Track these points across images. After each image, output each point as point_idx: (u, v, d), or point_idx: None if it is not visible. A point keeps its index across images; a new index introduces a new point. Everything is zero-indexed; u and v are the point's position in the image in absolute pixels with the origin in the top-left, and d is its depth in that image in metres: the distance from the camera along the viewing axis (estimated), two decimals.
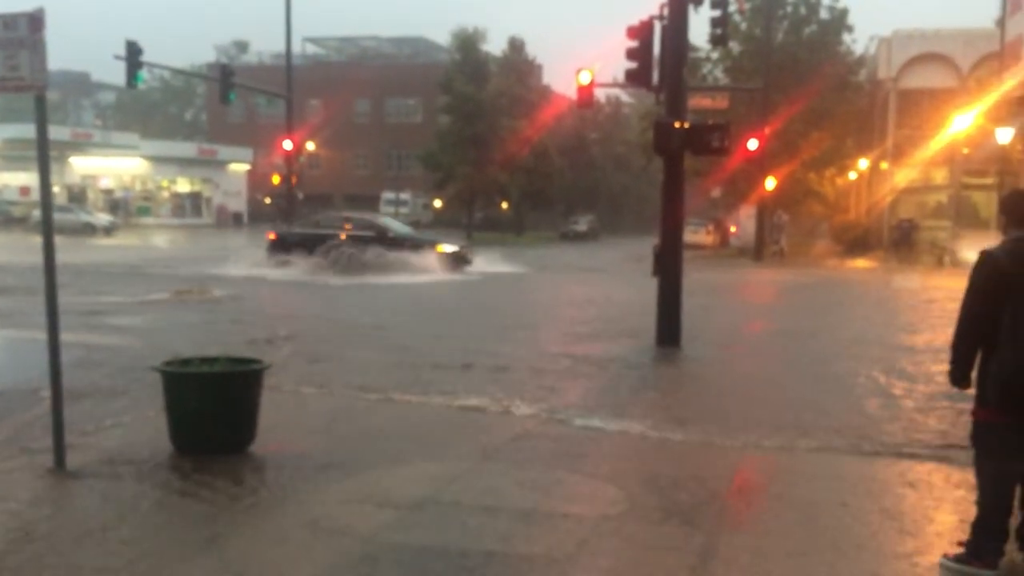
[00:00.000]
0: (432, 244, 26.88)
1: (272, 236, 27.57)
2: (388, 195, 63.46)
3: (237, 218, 64.59)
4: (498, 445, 7.20)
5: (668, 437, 7.68)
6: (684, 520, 5.55)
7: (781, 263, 35.57)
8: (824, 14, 42.85)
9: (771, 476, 6.60)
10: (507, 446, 7.19)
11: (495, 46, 58.70)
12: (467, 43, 54.28)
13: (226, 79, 34.65)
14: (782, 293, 23.49)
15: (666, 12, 12.69)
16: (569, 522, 5.49)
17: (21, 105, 59.48)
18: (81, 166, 59.82)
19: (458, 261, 26.37)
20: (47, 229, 6.46)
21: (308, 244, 25.47)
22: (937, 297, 20.39)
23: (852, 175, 49.05)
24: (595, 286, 23.93)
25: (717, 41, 21.11)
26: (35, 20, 6.23)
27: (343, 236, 25.57)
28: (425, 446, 7.16)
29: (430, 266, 24.81)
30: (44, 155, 6.45)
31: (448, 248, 26.76)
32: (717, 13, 17.04)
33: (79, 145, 57.06)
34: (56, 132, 47.64)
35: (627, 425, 8.11)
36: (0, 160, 55.39)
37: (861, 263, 35.87)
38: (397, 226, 28.77)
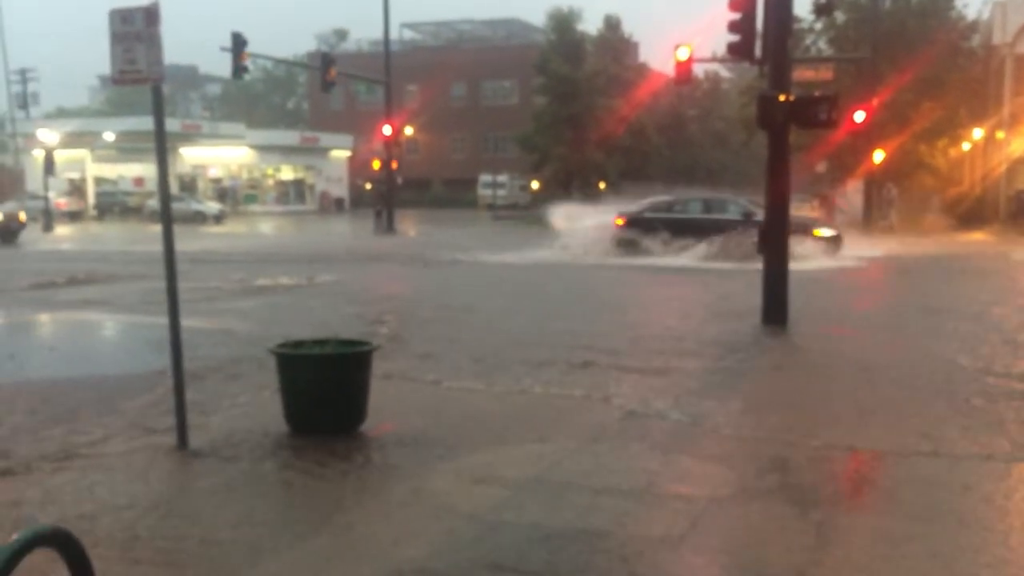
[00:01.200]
0: (807, 228, 23.88)
1: (620, 220, 25.26)
2: (485, 178, 63.76)
3: (339, 204, 65.91)
4: (606, 426, 7.18)
5: (776, 419, 7.53)
6: (798, 500, 5.44)
7: (890, 237, 34.41)
8: None
9: (885, 458, 6.41)
10: (615, 427, 7.17)
11: (591, 25, 58.30)
12: (562, 23, 54.01)
13: (326, 67, 35.33)
14: (889, 270, 22.71)
15: None
16: (680, 502, 5.44)
17: (135, 98, 61.84)
18: (191, 156, 61.89)
19: (835, 245, 24.03)
20: (166, 218, 6.70)
21: (673, 228, 24.07)
22: None
23: (965, 146, 47.06)
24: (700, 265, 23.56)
25: (822, 11, 20.52)
26: (151, 14, 6.45)
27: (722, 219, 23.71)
28: (532, 426, 7.19)
29: (807, 252, 22.00)
30: (161, 146, 6.69)
31: (825, 232, 24.46)
32: None
33: (189, 136, 59.01)
34: (168, 124, 49.15)
35: (733, 406, 7.98)
36: (116, 152, 57.70)
37: (976, 236, 34.42)
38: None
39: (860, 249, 25.14)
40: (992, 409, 7.72)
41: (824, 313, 14.18)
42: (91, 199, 57.62)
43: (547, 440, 6.76)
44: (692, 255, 23.20)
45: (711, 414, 7.59)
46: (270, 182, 66.58)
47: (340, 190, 67.82)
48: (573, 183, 55.72)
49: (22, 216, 33.31)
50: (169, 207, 6.77)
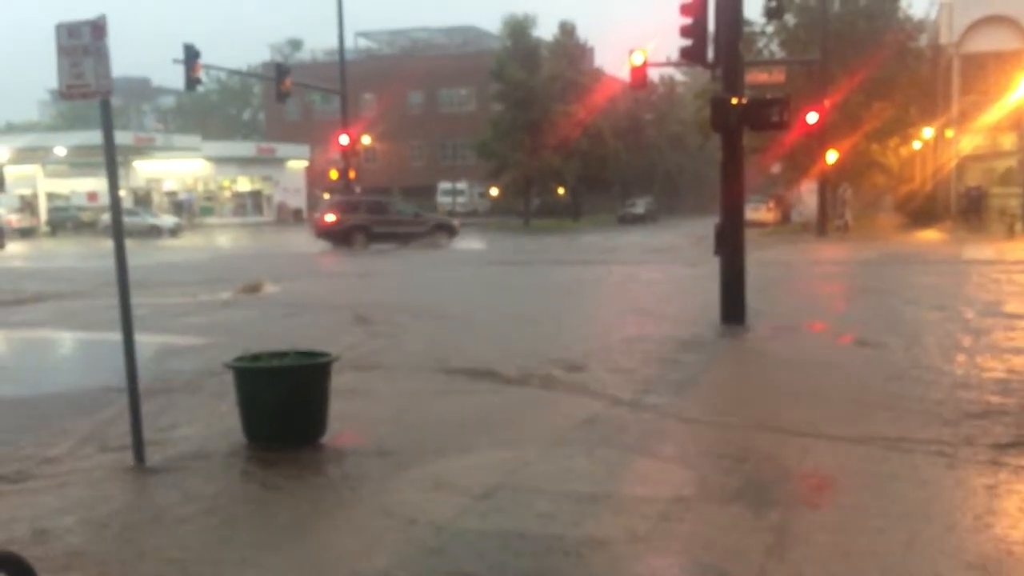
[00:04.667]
0: None
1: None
2: (444, 185, 63.74)
3: (298, 214, 65.47)
4: (567, 430, 7.20)
5: (734, 418, 7.61)
6: (757, 499, 5.50)
7: (846, 237, 34.91)
8: None
9: (842, 454, 6.48)
10: (576, 431, 7.19)
11: (546, 31, 58.62)
12: (517, 30, 54.13)
13: (281, 78, 35.11)
14: (848, 268, 23.05)
15: None
16: (642, 504, 5.47)
17: (86, 113, 61.00)
18: (145, 170, 61.16)
19: None
20: (118, 233, 6.61)
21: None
22: (1011, 267, 19.84)
23: (916, 144, 47.90)
24: (656, 267, 23.76)
25: (772, 14, 20.87)
26: (98, 28, 6.37)
27: None
28: (495, 432, 7.19)
29: None
30: (111, 160, 6.60)
31: None
32: None
33: (142, 149, 58.34)
34: (120, 137, 48.67)
35: (693, 406, 8.06)
36: (68, 167, 56.87)
37: (929, 234, 35.04)
38: None
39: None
40: (943, 408, 7.85)
41: (781, 310, 14.33)
42: (43, 215, 56.69)
43: (509, 446, 6.77)
44: None
45: (672, 415, 7.65)
46: (227, 194, 66.00)
47: (298, 201, 67.39)
48: (532, 189, 55.85)
49: None
50: (120, 222, 6.68)
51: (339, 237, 32.78)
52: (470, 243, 35.67)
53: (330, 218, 33.29)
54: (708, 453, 6.59)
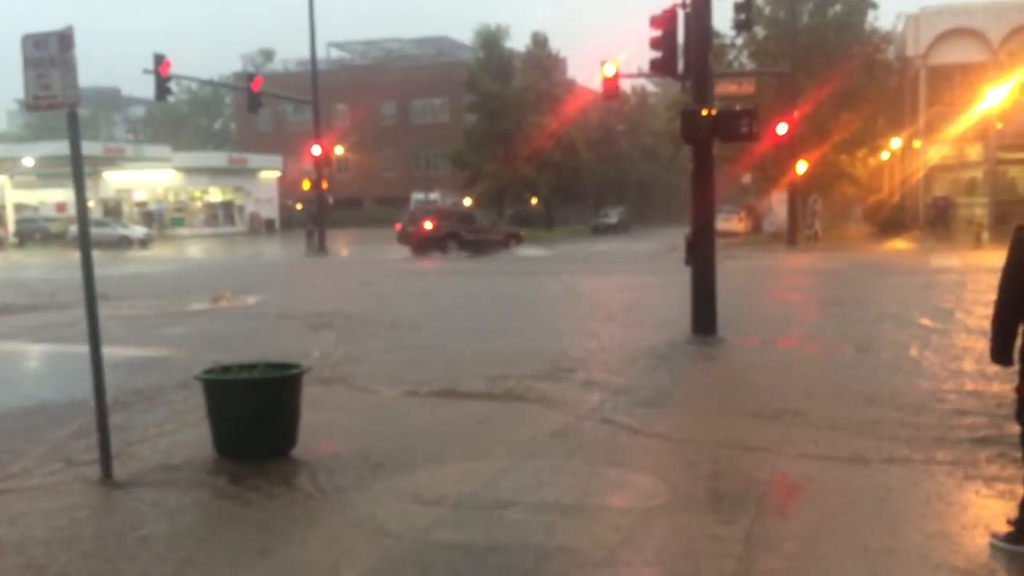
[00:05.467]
0: None
1: None
2: (418, 196, 63.65)
3: (270, 225, 65.15)
4: (538, 441, 7.20)
5: (705, 428, 7.64)
6: (727, 509, 5.53)
7: (816, 247, 35.24)
8: None
9: (810, 464, 6.54)
10: (546, 442, 7.19)
11: (518, 42, 58.77)
12: (490, 40, 54.31)
13: (252, 87, 34.99)
14: (818, 278, 23.27)
15: (688, 0, 12.62)
16: (612, 514, 5.48)
17: (54, 123, 60.34)
18: (115, 180, 60.61)
19: None
20: (85, 244, 6.55)
21: None
22: (977, 276, 20.10)
23: (884, 155, 48.49)
24: (628, 277, 23.85)
25: (741, 26, 21.06)
26: (65, 39, 6.32)
27: None
28: (465, 444, 7.18)
29: None
30: (78, 171, 6.55)
31: None
32: None
33: (112, 160, 57.81)
34: (89, 148, 48.31)
35: (664, 417, 8.09)
36: (36, 178, 56.26)
37: (897, 244, 35.43)
38: None
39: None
40: (914, 417, 7.94)
41: (752, 320, 14.42)
42: (11, 226, 56.00)
43: (482, 457, 6.76)
44: None
45: (643, 426, 7.67)
46: (198, 204, 65.56)
47: (270, 211, 67.05)
48: (505, 199, 55.95)
49: None
50: (88, 234, 6.62)
51: (432, 244, 34.51)
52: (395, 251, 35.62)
53: (428, 226, 35.10)
54: (678, 464, 6.63)
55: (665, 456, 6.89)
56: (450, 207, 41.72)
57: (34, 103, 6.45)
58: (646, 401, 8.64)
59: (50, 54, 6.34)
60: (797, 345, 12.47)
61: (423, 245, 34.45)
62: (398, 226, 36.91)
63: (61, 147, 40.62)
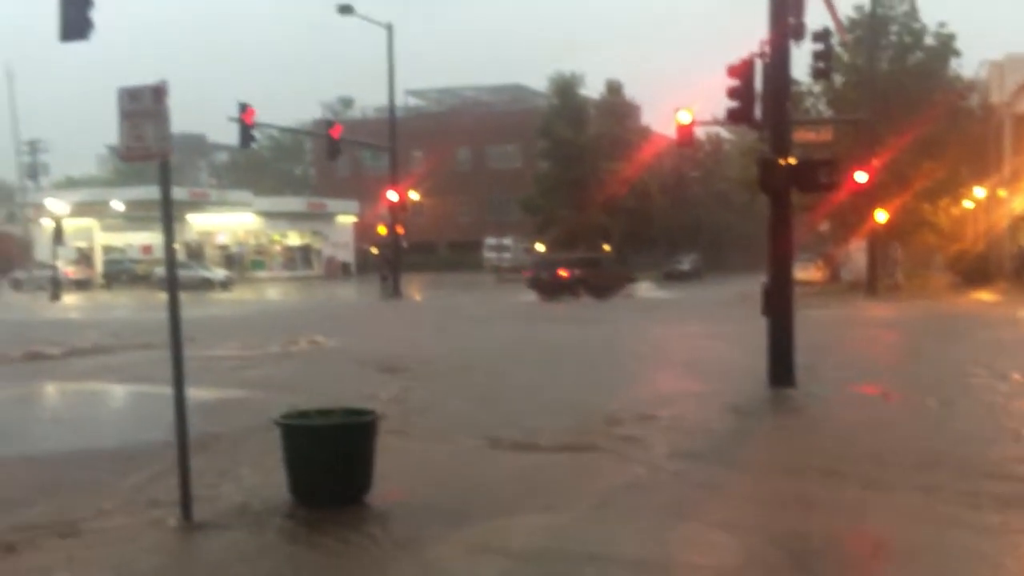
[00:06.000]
0: None
1: None
2: (490, 240, 64.10)
3: (346, 268, 66.22)
4: (611, 493, 7.12)
5: (781, 485, 7.47)
6: (804, 571, 5.37)
7: (897, 297, 34.42)
8: (930, 40, 41.70)
9: (889, 526, 6.32)
10: (620, 494, 7.11)
11: (593, 89, 59.03)
12: (565, 88, 54.80)
13: (332, 135, 35.87)
14: (900, 329, 22.68)
15: (767, 49, 12.57)
16: (686, 572, 5.38)
17: (143, 167, 62.51)
18: (198, 223, 62.39)
19: None
20: (172, 288, 6.74)
21: None
22: None
23: (967, 204, 47.30)
24: (703, 324, 23.58)
25: (820, 74, 20.81)
26: (159, 92, 6.57)
27: None
28: (538, 494, 7.13)
29: None
30: (168, 218, 6.78)
31: None
32: (819, 46, 16.84)
33: (197, 204, 59.54)
34: (175, 192, 49.63)
35: (739, 471, 7.93)
36: (124, 220, 58.19)
37: (982, 294, 34.39)
38: None
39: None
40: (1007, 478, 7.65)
41: (831, 372, 14.08)
42: (99, 267, 57.94)
43: (554, 508, 6.71)
44: None
45: (717, 480, 7.54)
46: (277, 248, 66.99)
47: (346, 255, 68.19)
48: (577, 245, 56.01)
49: None
50: (175, 278, 6.82)
51: (565, 289, 35.83)
52: (517, 295, 35.86)
53: (564, 273, 36.87)
54: (753, 522, 6.47)
55: (739, 512, 6.74)
56: (581, 254, 43.30)
57: (128, 153, 6.70)
58: (721, 454, 8.49)
59: (144, 106, 6.59)
60: (878, 399, 12.13)
61: (555, 290, 35.89)
62: (526, 273, 39.71)
63: (149, 191, 42.04)
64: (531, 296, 35.52)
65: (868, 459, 8.20)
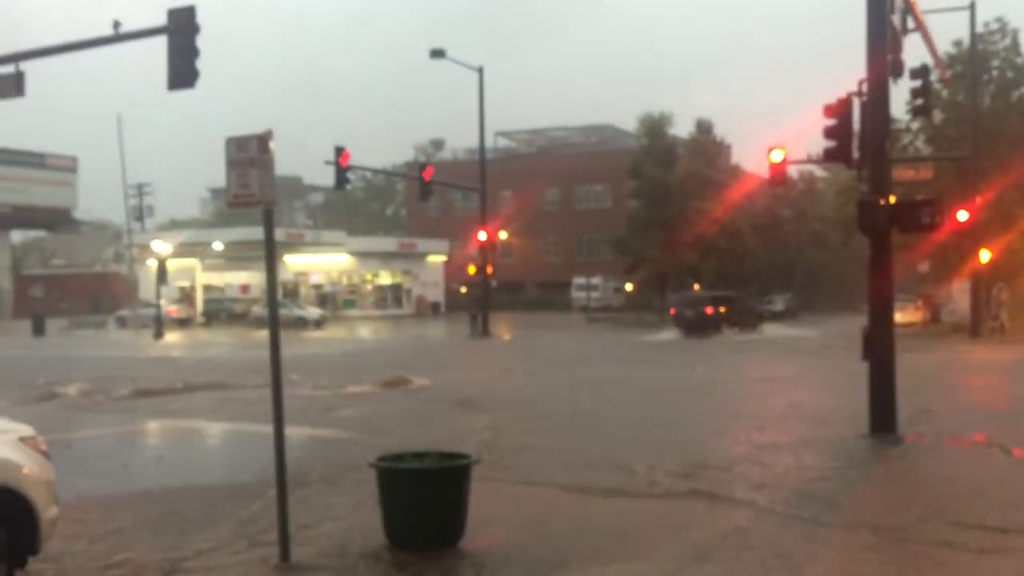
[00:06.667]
0: None
1: None
2: (579, 280, 64.02)
3: (436, 308, 66.94)
4: (709, 544, 6.96)
5: (885, 536, 7.19)
6: None
7: (1002, 339, 33.08)
8: None
9: None
10: (715, 545, 6.95)
11: (682, 129, 58.79)
12: (654, 127, 54.67)
13: (423, 177, 36.53)
14: (1006, 374, 21.77)
15: (864, 88, 12.34)
16: None
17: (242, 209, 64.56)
18: (294, 263, 63.96)
19: None
20: (274, 331, 6.90)
21: None
22: None
23: None
24: (799, 367, 23.04)
25: (919, 111, 20.32)
26: (264, 141, 6.80)
27: None
28: (630, 543, 7.02)
29: None
30: (271, 261, 6.97)
31: None
32: (918, 83, 16.43)
33: (293, 245, 61.10)
34: None
35: (839, 522, 7.67)
36: (223, 260, 60.04)
37: None
38: None
39: None
40: None
41: (935, 419, 13.56)
42: (199, 306, 59.79)
43: (647, 559, 6.59)
44: None
45: (816, 531, 7.30)
46: (368, 287, 68.13)
47: (436, 294, 68.96)
48: (668, 285, 55.50)
49: None
50: (277, 321, 6.99)
51: (710, 326, 37.97)
52: (608, 334, 35.68)
53: (709, 311, 39.11)
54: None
55: (841, 567, 6.51)
56: (717, 293, 44.37)
57: (235, 201, 6.93)
58: (821, 504, 8.22)
59: (250, 155, 6.82)
60: (985, 447, 11.61)
61: (699, 327, 37.58)
62: (672, 311, 42.01)
63: (248, 232, 43.25)
64: (622, 335, 35.51)
65: (977, 511, 7.83)
